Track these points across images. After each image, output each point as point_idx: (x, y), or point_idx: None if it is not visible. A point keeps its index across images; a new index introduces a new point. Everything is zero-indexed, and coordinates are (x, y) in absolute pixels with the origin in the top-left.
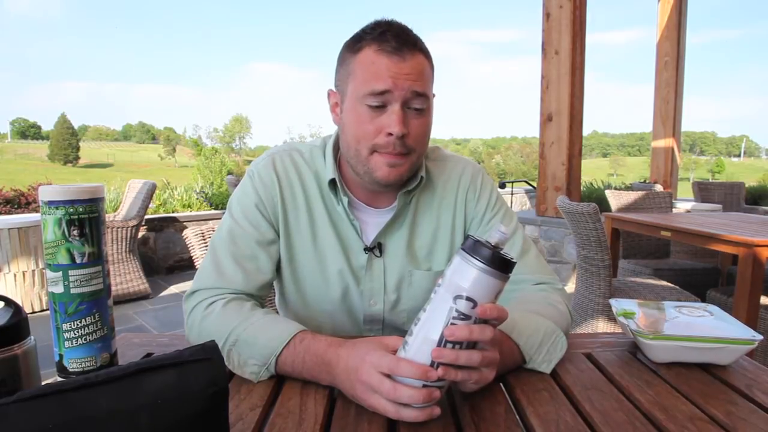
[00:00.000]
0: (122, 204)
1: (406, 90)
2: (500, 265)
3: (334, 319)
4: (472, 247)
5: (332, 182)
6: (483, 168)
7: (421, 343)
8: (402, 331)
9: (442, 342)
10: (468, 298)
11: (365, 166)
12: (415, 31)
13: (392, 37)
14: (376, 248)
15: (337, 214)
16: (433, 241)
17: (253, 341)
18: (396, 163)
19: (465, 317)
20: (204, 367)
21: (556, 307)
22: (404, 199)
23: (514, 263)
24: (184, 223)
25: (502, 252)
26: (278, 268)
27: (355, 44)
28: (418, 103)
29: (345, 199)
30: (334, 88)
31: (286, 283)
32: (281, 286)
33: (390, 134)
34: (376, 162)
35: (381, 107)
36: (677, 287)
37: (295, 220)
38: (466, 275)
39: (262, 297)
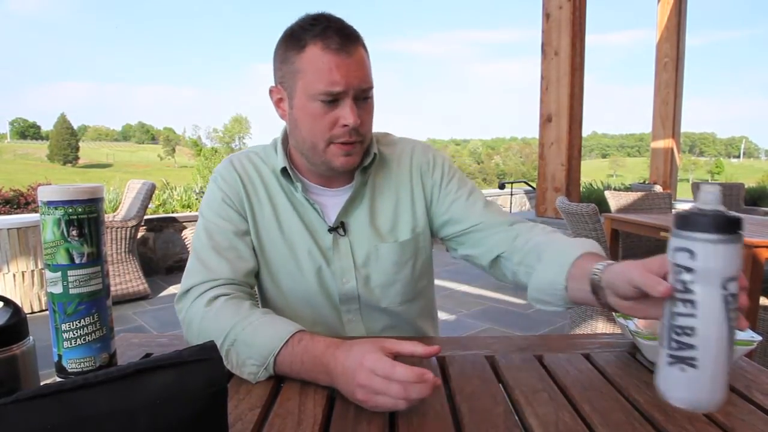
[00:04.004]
0: (121, 204)
1: (356, 87)
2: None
3: (311, 304)
4: (716, 224)
5: (284, 171)
6: (431, 144)
7: (717, 347)
8: (378, 309)
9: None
10: (734, 278)
11: (321, 157)
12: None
13: (334, 33)
14: (339, 228)
15: (297, 200)
16: (395, 215)
17: (252, 341)
18: (351, 152)
19: (734, 298)
20: (203, 367)
21: (556, 233)
22: (362, 178)
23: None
24: (184, 224)
25: (724, 212)
26: None
27: (297, 42)
28: (365, 94)
29: (299, 185)
30: (276, 85)
31: (262, 276)
32: (258, 280)
33: (345, 125)
34: (333, 153)
35: (333, 102)
36: None
37: (260, 211)
38: (725, 256)
39: (251, 285)
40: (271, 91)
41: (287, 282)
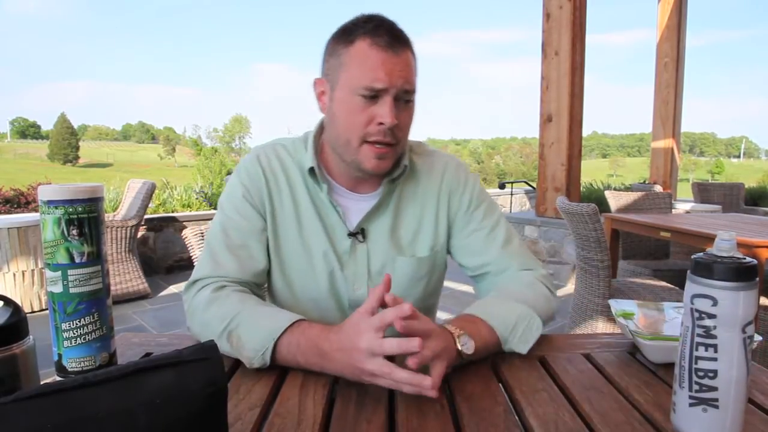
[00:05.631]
0: (122, 204)
1: (398, 87)
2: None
3: (320, 305)
4: (737, 272)
5: (311, 170)
6: (465, 164)
7: (737, 387)
8: None
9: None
10: (751, 322)
11: (354, 156)
12: (407, 29)
13: (385, 32)
14: (359, 233)
15: (320, 200)
16: (417, 229)
17: (256, 324)
18: (384, 155)
19: (751, 340)
20: (203, 366)
21: (534, 289)
22: (389, 187)
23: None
24: (184, 223)
25: (742, 260)
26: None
27: (347, 36)
28: (407, 97)
29: (324, 186)
30: (321, 77)
31: (273, 272)
32: (270, 281)
33: (381, 124)
34: (366, 153)
35: (373, 98)
36: (676, 288)
37: (280, 206)
38: (745, 302)
39: (258, 285)
40: (315, 83)
41: (298, 281)
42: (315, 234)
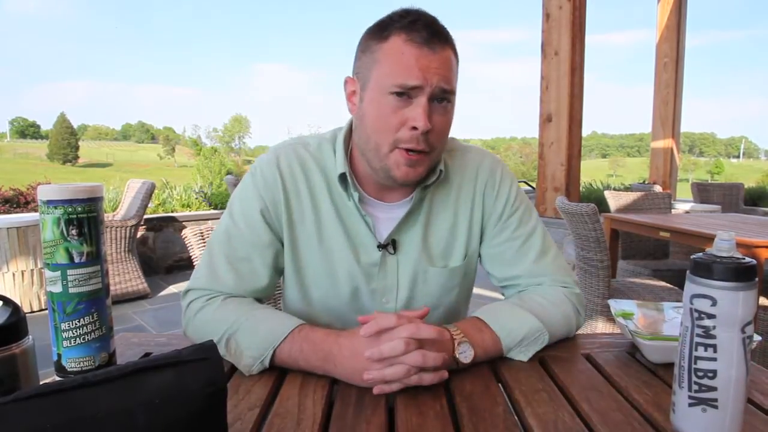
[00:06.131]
0: (121, 203)
1: (434, 86)
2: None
3: (343, 319)
4: (737, 272)
5: (342, 177)
6: (501, 160)
7: (736, 387)
8: None
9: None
10: (750, 322)
11: (383, 162)
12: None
13: (423, 28)
14: (390, 245)
15: (346, 209)
16: (450, 237)
17: (254, 331)
18: (416, 163)
19: (750, 340)
20: (202, 366)
21: (559, 307)
22: (421, 194)
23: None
24: (183, 223)
25: (742, 260)
26: (281, 270)
27: (381, 31)
28: (444, 97)
29: (356, 195)
30: (352, 75)
31: (288, 280)
32: (284, 287)
33: (414, 128)
34: (396, 160)
35: (406, 98)
36: (676, 288)
37: (299, 215)
38: (744, 302)
39: (257, 300)
40: (345, 83)
41: (318, 294)
42: (337, 246)
